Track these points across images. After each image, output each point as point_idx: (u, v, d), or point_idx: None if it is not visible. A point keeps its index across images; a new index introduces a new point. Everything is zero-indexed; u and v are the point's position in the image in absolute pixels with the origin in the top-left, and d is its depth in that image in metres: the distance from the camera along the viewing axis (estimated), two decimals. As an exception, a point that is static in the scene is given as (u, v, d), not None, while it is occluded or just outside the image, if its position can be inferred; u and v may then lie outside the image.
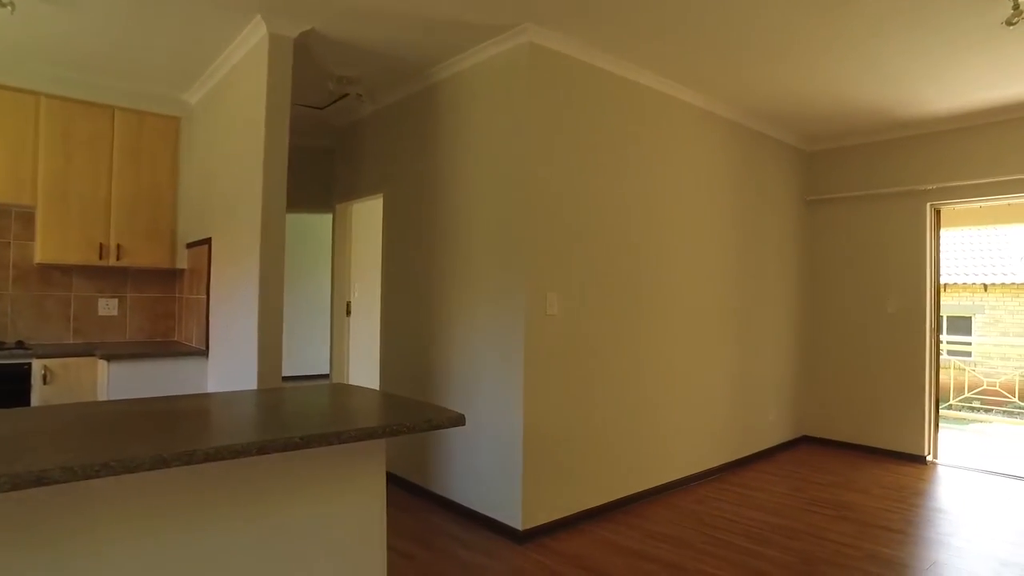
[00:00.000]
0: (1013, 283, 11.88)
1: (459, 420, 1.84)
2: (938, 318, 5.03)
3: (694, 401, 4.37)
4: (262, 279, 3.28)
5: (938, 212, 5.01)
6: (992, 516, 3.77)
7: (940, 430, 5.07)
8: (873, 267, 5.19)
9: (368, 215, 4.94)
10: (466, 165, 3.72)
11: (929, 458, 4.94)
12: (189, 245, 4.45)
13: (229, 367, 3.69)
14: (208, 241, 4.07)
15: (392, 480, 4.26)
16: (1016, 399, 7.44)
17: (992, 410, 8.48)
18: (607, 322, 3.73)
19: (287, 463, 1.79)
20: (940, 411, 5.11)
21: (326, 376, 5.54)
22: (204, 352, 4.06)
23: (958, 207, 5.09)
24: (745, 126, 4.80)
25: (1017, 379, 7.70)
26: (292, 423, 1.81)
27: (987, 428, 7.25)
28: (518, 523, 3.28)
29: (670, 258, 4.17)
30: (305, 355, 8.37)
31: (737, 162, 4.74)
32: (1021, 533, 3.49)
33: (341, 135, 5.17)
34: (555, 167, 3.45)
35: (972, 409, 8.25)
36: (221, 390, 3.69)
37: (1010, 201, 4.74)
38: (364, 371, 4.96)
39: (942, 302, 5.21)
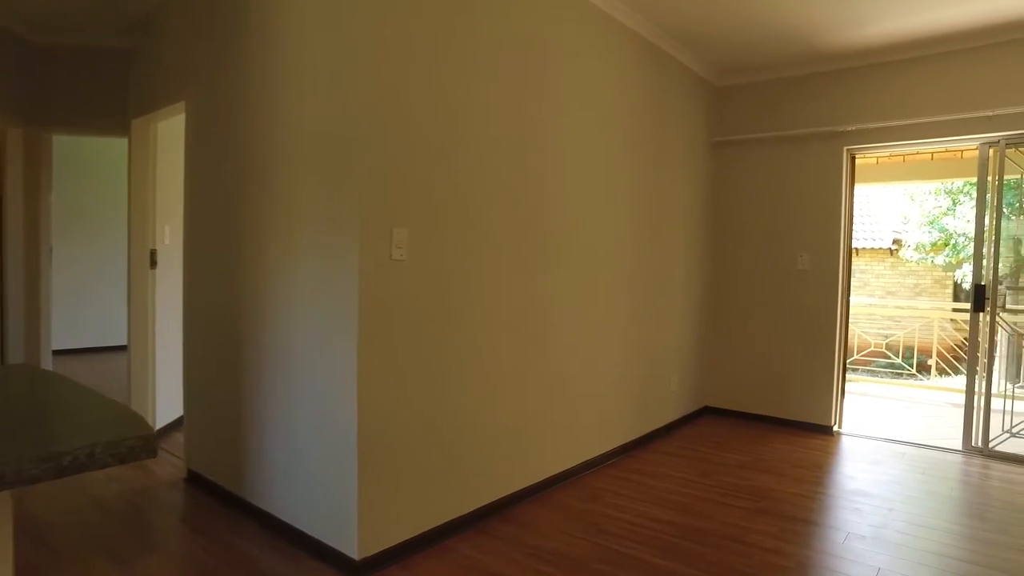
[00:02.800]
0: (880, 248, 12.27)
1: (132, 453, 0.87)
2: (849, 277, 4.59)
3: (587, 373, 3.60)
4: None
5: (854, 159, 4.52)
6: (915, 497, 3.32)
7: (835, 396, 4.67)
8: (784, 218, 4.64)
9: (183, 134, 3.70)
10: (290, 58, 2.64)
11: (835, 428, 4.53)
12: None
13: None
14: None
15: (201, 485, 3.19)
16: (899, 359, 7.45)
17: (858, 369, 8.61)
18: (476, 272, 2.83)
19: None
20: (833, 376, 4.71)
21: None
22: None
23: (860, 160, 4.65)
24: (651, 43, 4.01)
25: (902, 339, 7.74)
26: None
27: (855, 387, 7.22)
28: (353, 550, 2.35)
29: (557, 193, 3.33)
30: (109, 320, 6.90)
31: (639, 88, 3.95)
32: (948, 516, 3.04)
33: (140, 28, 3.86)
34: (406, 63, 2.46)
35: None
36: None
37: (932, 146, 4.32)
38: (177, 340, 3.77)
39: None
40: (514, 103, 2.96)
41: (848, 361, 7.17)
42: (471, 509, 2.84)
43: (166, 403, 4.06)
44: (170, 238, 4.07)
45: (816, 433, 4.47)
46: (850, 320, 4.79)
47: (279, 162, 2.65)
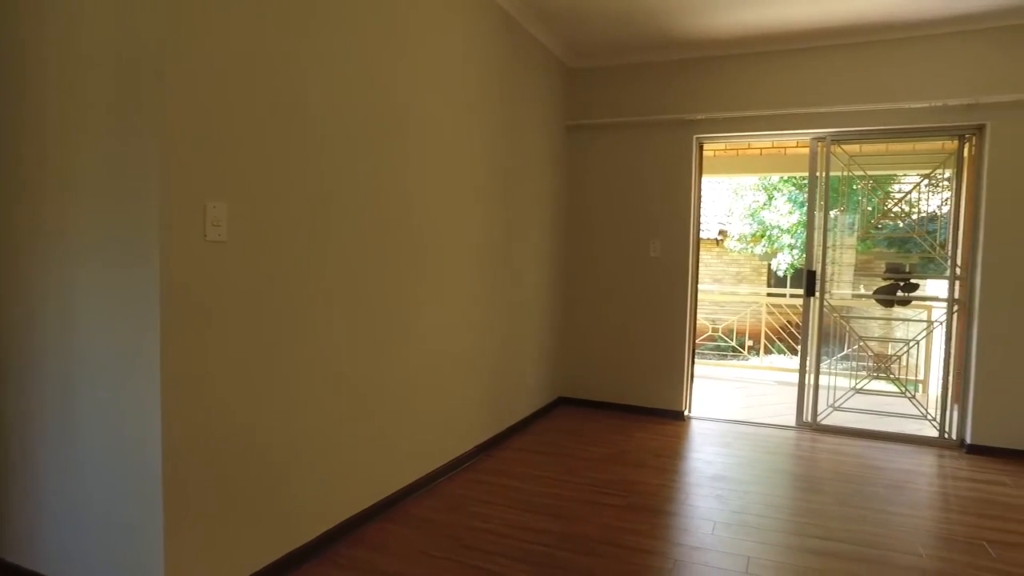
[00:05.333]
0: (708, 238, 13.22)
1: None
2: (697, 265, 4.69)
3: (438, 369, 3.28)
4: None
5: (702, 147, 4.61)
6: (764, 477, 3.42)
7: (686, 382, 4.77)
8: (637, 205, 4.63)
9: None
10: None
11: (686, 413, 4.62)
12: None
13: None
14: None
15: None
16: (733, 342, 7.97)
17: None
18: (312, 259, 2.39)
19: None
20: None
21: None
22: None
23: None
24: (507, 13, 3.74)
25: (735, 323, 8.28)
26: None
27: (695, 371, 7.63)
28: (159, 612, 1.83)
29: (404, 173, 2.96)
30: None
31: (494, 62, 3.68)
32: (795, 493, 3.14)
33: None
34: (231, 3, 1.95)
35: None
36: None
37: (771, 138, 4.52)
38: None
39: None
40: (362, 65, 2.54)
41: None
42: (314, 536, 2.41)
43: None
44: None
45: (669, 419, 4.53)
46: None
47: (47, 105, 2.00)
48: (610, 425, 4.34)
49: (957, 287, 4.09)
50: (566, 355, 4.89)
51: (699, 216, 4.66)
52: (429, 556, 2.40)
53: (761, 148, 6.49)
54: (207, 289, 1.91)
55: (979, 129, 3.91)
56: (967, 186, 4.03)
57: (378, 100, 2.65)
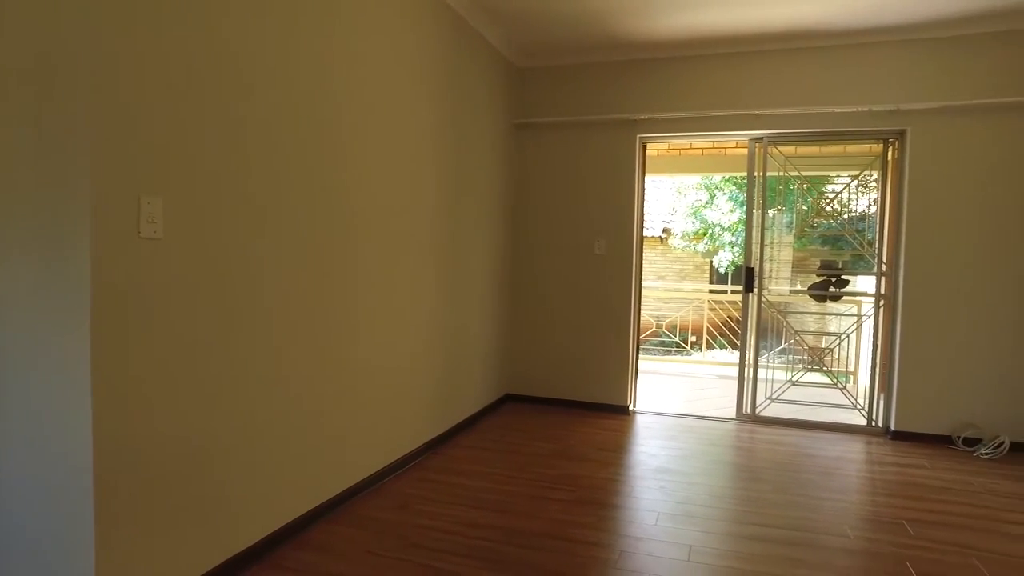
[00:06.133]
0: (653, 236, 13.50)
1: None
2: (641, 262, 4.79)
3: (386, 368, 3.26)
4: None
5: (645, 147, 4.71)
6: (708, 468, 3.54)
7: (630, 377, 4.87)
8: (582, 203, 4.70)
9: None
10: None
11: (631, 407, 4.72)
12: None
13: None
14: None
15: None
16: (676, 338, 8.16)
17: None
18: (259, 257, 2.34)
19: None
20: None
21: None
22: None
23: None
24: (456, 13, 3.74)
25: (678, 319, 8.48)
26: None
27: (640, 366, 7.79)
28: (91, 623, 1.76)
29: (356, 168, 2.93)
30: None
31: (443, 61, 3.66)
32: (737, 483, 3.26)
33: None
34: (162, -28, 1.88)
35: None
36: None
37: (711, 138, 4.65)
38: None
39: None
40: (306, 62, 2.49)
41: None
42: (258, 539, 2.36)
43: None
44: None
45: (615, 414, 4.62)
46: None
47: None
48: (556, 421, 4.40)
49: (883, 283, 4.31)
50: (513, 352, 4.92)
51: (643, 214, 4.77)
52: (377, 556, 2.39)
53: (703, 148, 6.67)
54: (141, 288, 1.85)
55: (901, 134, 4.14)
56: (891, 187, 4.25)
57: (322, 96, 2.61)
